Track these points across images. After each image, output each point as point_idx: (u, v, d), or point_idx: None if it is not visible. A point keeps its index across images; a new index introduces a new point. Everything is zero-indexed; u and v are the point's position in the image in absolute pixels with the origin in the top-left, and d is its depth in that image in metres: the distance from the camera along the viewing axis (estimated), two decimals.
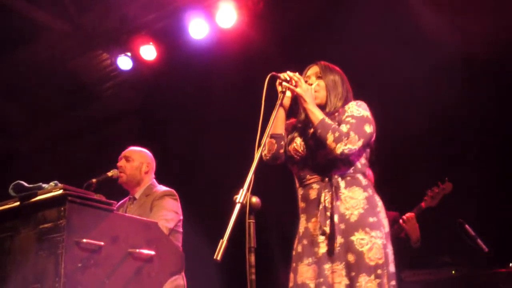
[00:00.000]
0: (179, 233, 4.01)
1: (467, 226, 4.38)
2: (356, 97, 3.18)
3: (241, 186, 2.38)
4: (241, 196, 2.35)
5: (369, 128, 2.96)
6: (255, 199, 2.39)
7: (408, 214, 4.50)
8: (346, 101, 3.11)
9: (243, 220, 2.36)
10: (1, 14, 5.83)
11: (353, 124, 2.92)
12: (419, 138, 5.38)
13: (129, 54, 6.43)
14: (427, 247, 4.55)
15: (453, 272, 4.56)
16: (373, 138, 3.04)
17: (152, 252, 2.84)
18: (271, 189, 4.49)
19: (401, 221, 4.48)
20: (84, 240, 2.57)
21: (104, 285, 2.62)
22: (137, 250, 2.78)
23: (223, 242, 2.22)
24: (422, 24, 5.16)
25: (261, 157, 2.55)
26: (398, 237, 4.51)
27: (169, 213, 3.91)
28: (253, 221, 2.38)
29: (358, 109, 3.00)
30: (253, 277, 2.33)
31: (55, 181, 2.79)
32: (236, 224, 2.28)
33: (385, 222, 2.97)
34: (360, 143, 2.89)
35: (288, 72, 2.98)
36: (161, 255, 2.89)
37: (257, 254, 2.36)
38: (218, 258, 2.21)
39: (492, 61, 5.01)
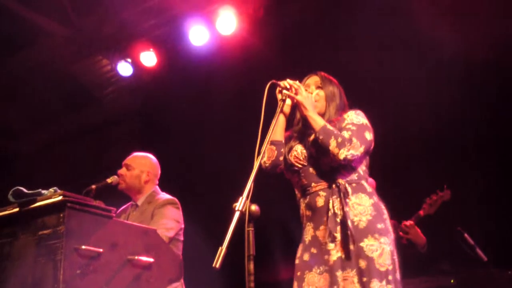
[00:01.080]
0: (180, 242, 3.98)
1: (466, 234, 4.38)
2: (357, 101, 3.19)
3: (241, 193, 2.39)
4: (241, 204, 2.35)
5: (369, 136, 2.98)
6: (254, 207, 2.38)
7: (407, 222, 4.49)
8: (342, 108, 3.14)
9: (242, 228, 2.36)
10: (2, 18, 5.85)
11: (354, 131, 2.93)
12: (419, 142, 5.37)
13: (129, 60, 6.44)
14: (426, 255, 4.55)
15: (452, 280, 4.55)
16: (372, 146, 3.05)
17: (151, 259, 2.84)
18: (273, 196, 4.50)
19: (401, 232, 4.47)
20: (83, 247, 2.57)
21: None
22: (136, 257, 2.77)
23: (222, 250, 2.22)
24: (423, 27, 5.17)
25: (261, 165, 2.55)
26: (400, 244, 4.50)
27: (169, 222, 3.88)
28: (252, 229, 2.38)
29: (357, 117, 3.02)
30: (252, 285, 2.33)
31: (55, 187, 2.79)
32: (236, 232, 2.28)
33: (391, 229, 2.98)
34: (362, 149, 2.90)
35: (288, 80, 2.99)
36: (160, 262, 2.89)
37: (258, 260, 2.36)
38: (217, 266, 2.21)
39: (493, 63, 5.01)
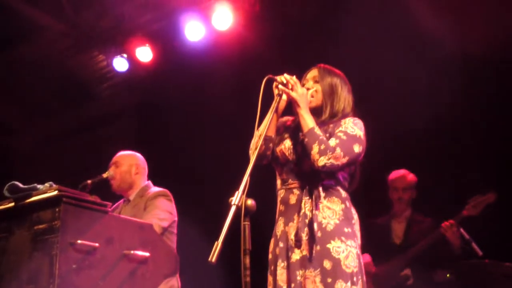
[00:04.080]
0: (174, 234, 3.99)
1: (462, 229, 4.39)
2: (356, 97, 3.18)
3: (237, 187, 2.39)
4: (237, 198, 2.35)
5: (358, 148, 2.93)
6: (250, 202, 2.39)
7: (448, 222, 4.47)
8: (345, 108, 3.09)
9: (239, 222, 2.36)
10: None
11: (343, 140, 2.91)
12: (417, 138, 5.37)
13: (125, 55, 6.42)
14: (459, 256, 4.54)
15: (448, 275, 4.56)
16: (361, 158, 3.02)
17: (147, 254, 2.84)
18: (269, 191, 4.49)
19: (442, 229, 4.45)
20: (79, 241, 2.57)
21: (98, 286, 2.61)
22: (132, 252, 2.77)
23: (218, 244, 2.23)
24: (422, 24, 5.16)
25: (258, 160, 2.56)
26: (438, 244, 4.51)
27: (162, 213, 3.89)
28: (248, 223, 2.38)
29: (353, 126, 2.98)
30: (248, 279, 2.33)
31: (50, 182, 2.79)
32: (232, 227, 2.28)
33: (358, 234, 3.01)
34: (344, 160, 2.87)
35: (285, 75, 2.96)
36: (155, 257, 2.89)
37: (254, 256, 2.36)
38: (213, 260, 2.21)
39: (492, 59, 5.01)
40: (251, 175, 2.47)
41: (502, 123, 5.07)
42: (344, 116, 3.07)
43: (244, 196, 2.38)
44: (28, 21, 6.18)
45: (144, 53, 6.35)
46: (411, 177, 4.81)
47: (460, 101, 5.08)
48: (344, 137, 2.92)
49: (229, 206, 2.34)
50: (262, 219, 2.81)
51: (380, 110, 4.87)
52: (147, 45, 6.31)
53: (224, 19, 5.83)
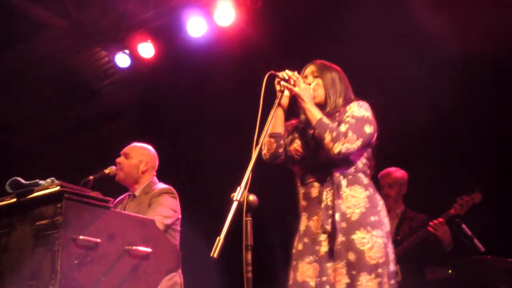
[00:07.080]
0: (177, 232, 3.98)
1: (464, 225, 4.38)
2: (356, 94, 3.18)
3: (239, 184, 2.38)
4: (238, 194, 2.35)
5: (369, 129, 2.94)
6: (252, 197, 2.39)
7: (437, 220, 4.48)
8: (346, 97, 3.11)
9: (241, 218, 2.36)
10: (0, 11, 5.83)
11: (352, 124, 2.90)
12: (418, 138, 5.37)
13: (127, 51, 6.42)
14: (450, 252, 4.55)
15: (449, 271, 4.56)
16: (374, 138, 3.02)
17: (149, 250, 2.83)
18: (272, 187, 4.49)
19: (430, 228, 4.45)
20: (81, 237, 2.56)
21: (100, 282, 2.61)
22: (134, 248, 2.77)
23: (220, 240, 2.23)
24: (422, 23, 5.15)
25: (260, 156, 2.55)
26: (428, 241, 4.51)
27: (166, 210, 3.88)
28: (250, 219, 2.38)
29: (359, 109, 2.98)
30: (250, 275, 2.33)
31: (52, 178, 2.79)
32: (234, 222, 2.28)
33: (386, 220, 2.97)
34: (358, 142, 2.87)
35: (287, 71, 2.97)
36: (157, 252, 2.88)
37: (257, 252, 2.36)
38: (215, 255, 2.22)
39: (492, 60, 5.00)
40: (253, 170, 2.47)
41: (502, 122, 5.07)
42: (347, 103, 3.07)
43: (246, 191, 2.37)
44: (30, 19, 6.18)
45: (146, 49, 6.34)
46: (398, 173, 4.81)
47: (459, 99, 5.07)
48: (353, 121, 2.92)
49: (231, 201, 2.34)
50: (264, 214, 2.81)
51: (380, 108, 4.86)
52: (149, 41, 6.31)
53: (226, 15, 5.83)
